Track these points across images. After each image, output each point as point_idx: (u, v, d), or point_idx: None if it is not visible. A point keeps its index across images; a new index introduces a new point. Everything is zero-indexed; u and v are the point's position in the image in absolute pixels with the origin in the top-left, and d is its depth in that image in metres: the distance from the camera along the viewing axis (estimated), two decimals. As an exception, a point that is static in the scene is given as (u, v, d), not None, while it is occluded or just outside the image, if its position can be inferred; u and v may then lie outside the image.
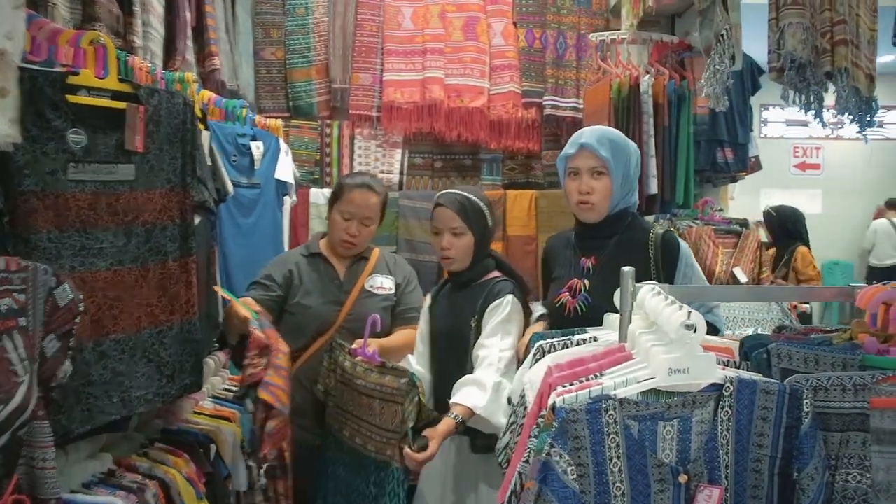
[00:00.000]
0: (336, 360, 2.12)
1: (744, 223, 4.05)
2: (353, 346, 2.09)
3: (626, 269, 1.45)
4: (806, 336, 1.41)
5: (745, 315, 3.03)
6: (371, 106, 4.02)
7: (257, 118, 3.41)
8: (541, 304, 2.19)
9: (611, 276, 1.57)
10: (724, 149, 3.86)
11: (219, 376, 2.18)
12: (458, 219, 2.15)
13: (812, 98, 1.89)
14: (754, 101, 10.01)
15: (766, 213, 4.63)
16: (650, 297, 1.30)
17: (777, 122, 10.38)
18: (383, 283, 2.37)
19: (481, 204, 2.22)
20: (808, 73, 1.86)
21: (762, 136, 10.29)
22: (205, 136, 1.79)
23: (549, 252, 2.19)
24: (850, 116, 1.89)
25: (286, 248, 3.53)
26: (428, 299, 2.36)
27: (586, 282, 1.94)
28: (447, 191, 2.27)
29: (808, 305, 3.26)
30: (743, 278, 3.67)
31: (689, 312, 1.15)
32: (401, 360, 2.26)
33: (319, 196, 3.96)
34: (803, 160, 10.50)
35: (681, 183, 3.10)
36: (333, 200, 2.37)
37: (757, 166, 4.30)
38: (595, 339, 1.58)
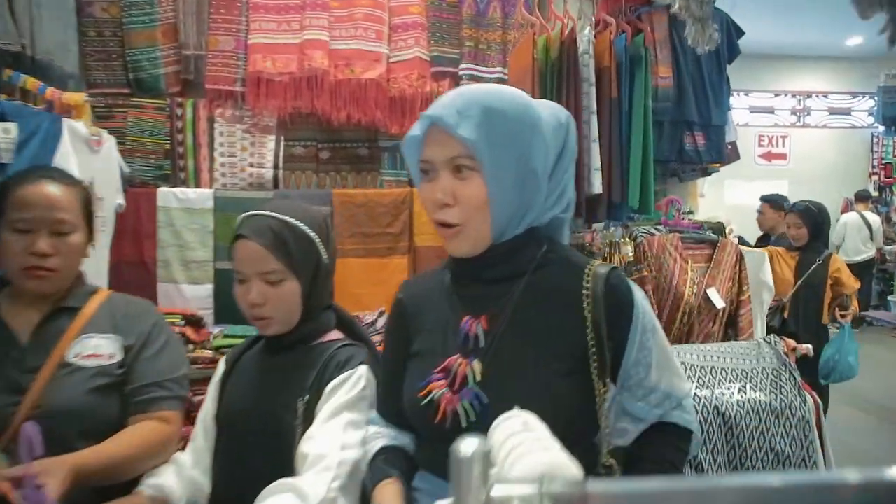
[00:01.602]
0: None
1: (719, 229, 3.18)
2: (15, 475, 1.14)
3: None
4: None
5: (729, 364, 2.14)
6: (233, 79, 3.05)
7: (49, 91, 2.42)
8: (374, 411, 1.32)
9: (520, 351, 1.08)
10: (693, 133, 2.99)
11: None
12: (273, 258, 1.33)
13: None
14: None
15: (807, 210, 3.75)
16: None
17: (741, 109, 9.71)
18: (98, 348, 1.43)
19: (307, 230, 1.38)
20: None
21: (726, 123, 9.65)
22: None
23: (404, 307, 1.25)
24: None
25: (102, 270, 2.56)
26: (221, 365, 1.51)
27: (475, 363, 1.08)
28: (254, 213, 1.38)
29: (808, 346, 2.46)
30: (719, 302, 2.80)
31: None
32: (148, 470, 1.41)
33: (171, 198, 2.99)
34: (769, 149, 9.86)
35: (635, 179, 2.19)
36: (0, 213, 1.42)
37: (734, 155, 3.45)
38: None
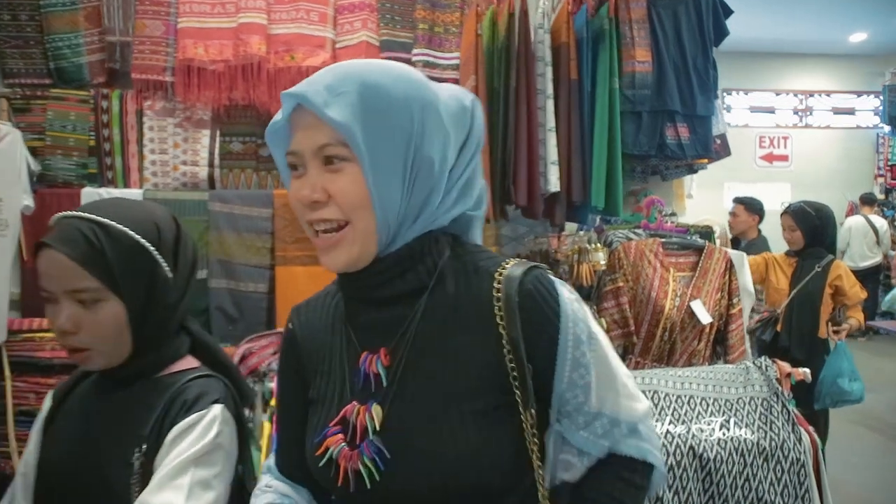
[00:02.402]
0: None
1: (707, 233, 2.85)
2: None
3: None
4: None
5: (710, 393, 1.81)
6: (162, 67, 2.73)
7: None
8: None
9: (425, 388, 0.88)
10: (676, 125, 2.65)
11: None
12: (85, 273, 1.05)
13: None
14: (716, 82, 9.05)
15: (800, 212, 3.39)
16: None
17: (741, 109, 9.38)
18: None
19: (135, 236, 1.08)
20: None
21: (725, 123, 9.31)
22: None
23: (297, 341, 1.03)
24: None
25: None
26: (48, 401, 1.23)
27: (375, 409, 0.89)
28: (66, 214, 1.10)
29: (805, 370, 2.12)
30: (705, 317, 2.47)
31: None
32: None
33: (96, 199, 2.65)
34: (770, 151, 9.53)
35: (599, 174, 1.86)
36: None
37: (724, 151, 3.11)
38: None
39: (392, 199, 0.86)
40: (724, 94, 9.24)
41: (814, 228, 3.35)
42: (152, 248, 1.08)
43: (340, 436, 0.90)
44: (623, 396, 0.93)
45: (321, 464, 0.90)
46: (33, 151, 2.71)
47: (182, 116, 2.79)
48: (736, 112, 9.43)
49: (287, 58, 2.66)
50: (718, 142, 3.01)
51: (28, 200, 2.47)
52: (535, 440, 0.88)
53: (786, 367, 2.27)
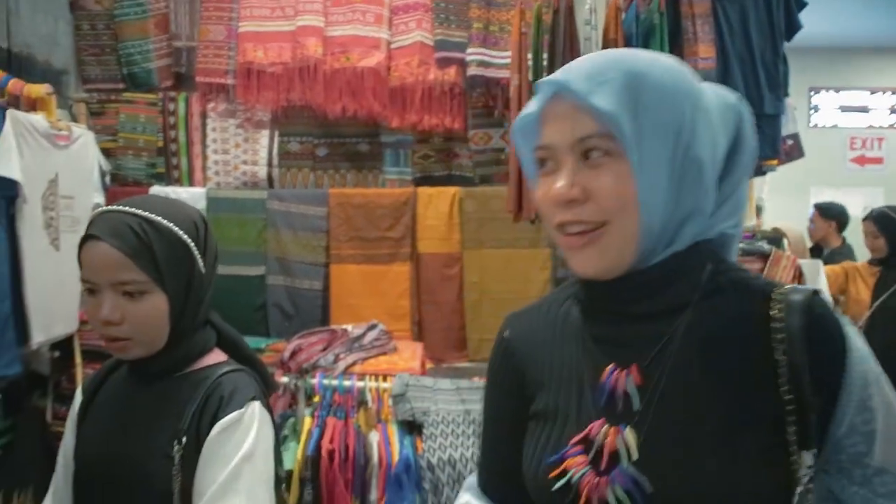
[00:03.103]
0: None
1: (776, 239, 2.71)
2: None
3: None
4: None
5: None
6: (224, 71, 2.83)
7: (12, 83, 2.26)
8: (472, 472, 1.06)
9: (690, 417, 0.77)
10: (753, 127, 2.52)
11: None
12: (134, 266, 1.07)
13: None
14: (802, 84, 8.62)
15: (884, 217, 3.17)
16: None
17: (830, 109, 8.86)
18: None
19: (179, 232, 1.11)
20: None
21: (812, 125, 8.82)
22: None
23: (514, 349, 0.95)
24: None
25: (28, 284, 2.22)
26: (78, 395, 1.25)
27: (628, 434, 0.79)
28: (110, 208, 1.12)
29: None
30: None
31: None
32: None
33: (163, 199, 2.78)
34: (861, 153, 8.94)
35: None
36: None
37: (795, 152, 2.94)
38: None
39: (658, 202, 0.77)
40: (812, 93, 8.78)
41: None
42: (192, 243, 1.10)
43: (583, 457, 0.80)
44: None
45: (554, 488, 0.80)
46: (107, 152, 2.87)
47: (243, 118, 2.88)
48: (824, 112, 8.92)
49: (343, 59, 2.70)
50: (791, 142, 2.85)
51: (99, 198, 2.60)
52: (811, 485, 0.77)
53: None
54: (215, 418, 1.07)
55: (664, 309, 0.81)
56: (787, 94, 2.62)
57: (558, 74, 0.78)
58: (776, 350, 0.76)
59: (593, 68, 0.77)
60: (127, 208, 1.09)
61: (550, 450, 0.83)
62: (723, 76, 2.47)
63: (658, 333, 0.81)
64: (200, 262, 1.12)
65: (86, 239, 1.08)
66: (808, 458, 0.75)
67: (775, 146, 2.56)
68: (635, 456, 0.77)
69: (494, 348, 0.97)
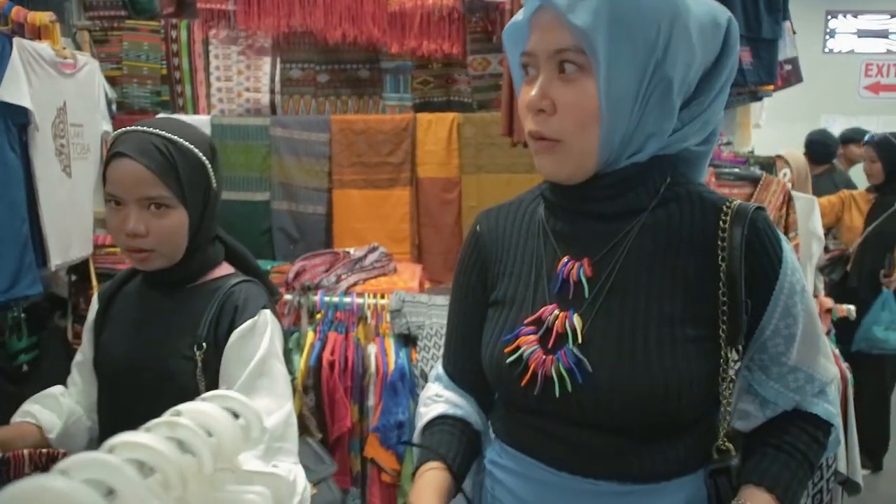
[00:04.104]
0: None
1: (768, 166, 2.75)
2: None
3: None
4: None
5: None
6: (225, -4, 2.82)
7: (15, 10, 2.30)
8: (441, 356, 1.12)
9: (633, 307, 0.86)
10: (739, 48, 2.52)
11: None
12: (161, 183, 1.16)
13: None
14: (818, 7, 8.37)
15: (884, 142, 3.18)
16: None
17: (846, 34, 8.63)
18: None
19: (198, 153, 1.20)
20: None
21: (827, 50, 8.62)
22: None
23: (484, 242, 1.03)
24: None
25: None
26: (95, 304, 1.34)
27: (575, 319, 0.87)
28: (133, 128, 1.19)
29: (850, 307, 2.04)
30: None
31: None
32: None
33: (169, 126, 2.84)
34: (877, 80, 8.76)
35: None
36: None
37: (795, 77, 2.94)
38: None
39: (621, 118, 0.82)
40: (829, 17, 8.54)
41: None
42: (209, 164, 1.19)
43: (535, 337, 0.88)
44: (822, 354, 0.92)
45: (509, 360, 0.88)
46: (112, 80, 2.91)
47: (245, 45, 2.90)
48: (841, 37, 8.70)
49: (342, -16, 2.70)
50: (789, 67, 2.85)
51: (107, 126, 2.67)
52: (733, 377, 0.86)
53: (827, 302, 2.21)
54: (232, 325, 1.17)
55: (621, 211, 0.88)
56: (786, 18, 2.61)
57: None
58: (719, 256, 0.84)
59: None
60: (151, 129, 1.17)
61: (507, 330, 0.92)
62: (721, -1, 2.47)
63: (612, 232, 0.89)
64: (214, 181, 1.22)
65: (113, 156, 1.16)
66: (733, 354, 0.85)
67: (772, 71, 2.58)
68: (580, 339, 0.85)
69: (466, 242, 1.05)
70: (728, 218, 0.86)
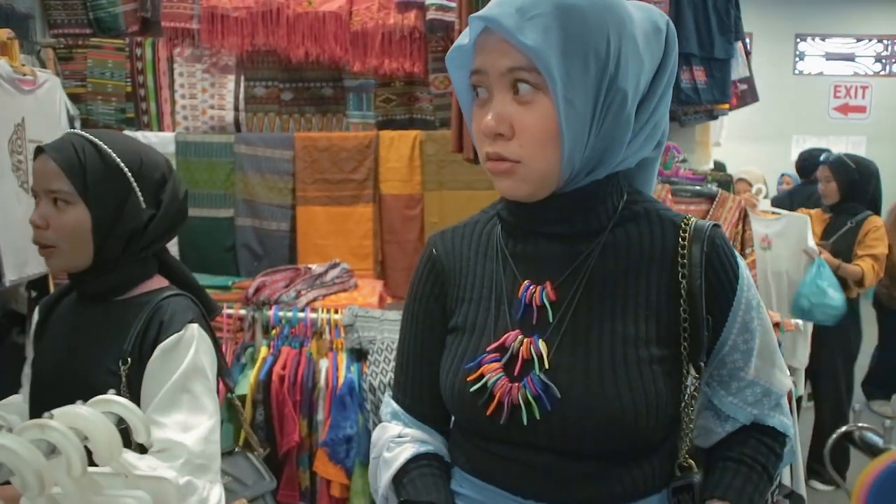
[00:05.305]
0: None
1: (725, 182, 2.80)
2: None
3: None
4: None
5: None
6: (189, 16, 2.86)
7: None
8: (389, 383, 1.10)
9: (599, 330, 0.85)
10: (692, 67, 2.60)
11: None
12: (63, 176, 1.17)
13: None
14: (787, 30, 8.54)
15: (838, 163, 3.20)
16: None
17: (815, 56, 8.83)
18: None
19: (117, 159, 1.18)
20: None
21: (797, 72, 8.81)
22: None
23: (441, 266, 0.99)
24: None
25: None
26: (36, 315, 1.35)
27: (540, 344, 0.85)
28: (72, 131, 1.26)
29: (797, 321, 2.07)
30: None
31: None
32: None
33: (133, 143, 2.85)
34: (846, 101, 8.96)
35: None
36: None
37: (751, 96, 3.01)
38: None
39: (580, 136, 0.80)
40: (798, 40, 8.73)
41: (851, 182, 3.15)
42: (130, 174, 1.18)
43: (498, 364, 0.86)
44: (777, 368, 0.94)
45: (472, 389, 0.86)
46: (77, 98, 2.92)
47: (209, 63, 2.92)
48: (810, 60, 8.90)
49: (305, 3, 2.74)
50: (744, 87, 2.92)
51: (67, 141, 2.67)
52: (695, 394, 0.87)
53: (775, 316, 2.25)
54: (157, 340, 1.15)
55: (580, 231, 0.87)
56: (738, 38, 2.68)
57: (490, 9, 0.79)
58: (679, 273, 0.85)
59: (524, 2, 0.77)
60: (82, 132, 1.20)
61: (468, 358, 0.89)
62: (674, 20, 2.53)
63: (573, 254, 0.87)
64: (139, 196, 1.20)
65: (37, 152, 1.18)
66: (693, 371, 0.86)
67: (724, 90, 2.64)
68: (546, 364, 0.83)
69: (421, 266, 1.00)
70: (687, 235, 0.87)
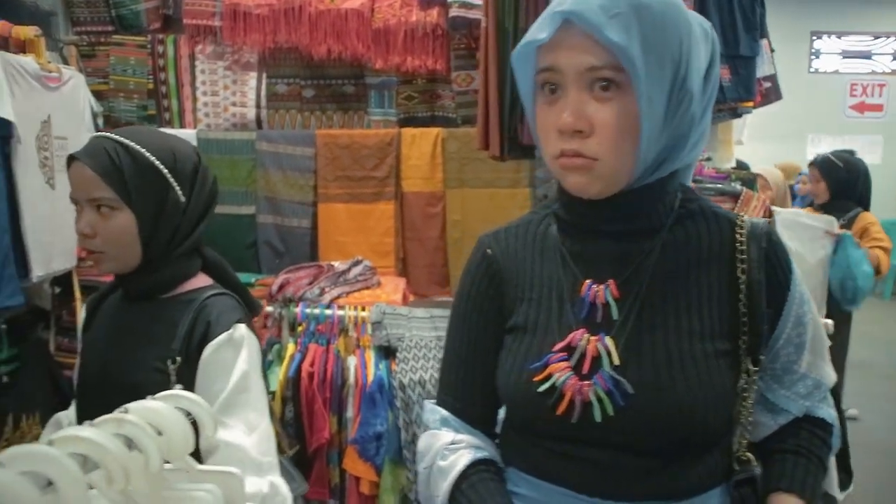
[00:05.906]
0: None
1: (749, 181, 2.79)
2: None
3: None
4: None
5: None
6: (211, 13, 2.86)
7: (0, 25, 2.32)
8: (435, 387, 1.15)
9: (665, 326, 0.85)
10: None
11: None
12: (103, 183, 1.16)
13: None
14: (803, 28, 8.50)
15: (826, 163, 3.27)
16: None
17: (831, 55, 8.77)
18: None
19: (152, 159, 1.18)
20: None
21: (812, 70, 8.74)
22: None
23: (497, 266, 0.98)
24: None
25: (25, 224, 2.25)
26: (82, 313, 1.37)
27: (608, 341, 0.86)
28: (98, 134, 1.24)
29: (828, 321, 2.07)
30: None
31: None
32: None
33: (155, 140, 2.86)
34: (862, 100, 8.90)
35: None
36: None
37: (774, 94, 2.98)
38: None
39: (656, 134, 0.81)
40: (814, 38, 8.66)
41: (840, 181, 3.21)
42: (166, 170, 1.18)
43: (566, 364, 0.86)
44: (826, 362, 0.96)
45: (540, 389, 0.86)
46: (99, 95, 2.93)
47: (231, 60, 2.93)
48: (826, 58, 8.84)
49: (327, 1, 2.74)
50: (768, 85, 2.89)
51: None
52: (755, 387, 0.89)
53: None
54: (205, 340, 1.16)
55: (639, 229, 0.88)
56: (763, 36, 2.65)
57: (572, 4, 0.78)
58: (738, 269, 0.87)
59: (604, 0, 0.77)
60: (110, 134, 1.19)
61: (533, 358, 0.88)
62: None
63: (632, 251, 0.88)
64: (179, 191, 1.20)
65: (70, 160, 1.18)
66: (750, 364, 0.87)
67: (750, 88, 2.61)
68: (616, 360, 0.84)
69: (474, 267, 0.99)
70: (744, 232, 0.89)
